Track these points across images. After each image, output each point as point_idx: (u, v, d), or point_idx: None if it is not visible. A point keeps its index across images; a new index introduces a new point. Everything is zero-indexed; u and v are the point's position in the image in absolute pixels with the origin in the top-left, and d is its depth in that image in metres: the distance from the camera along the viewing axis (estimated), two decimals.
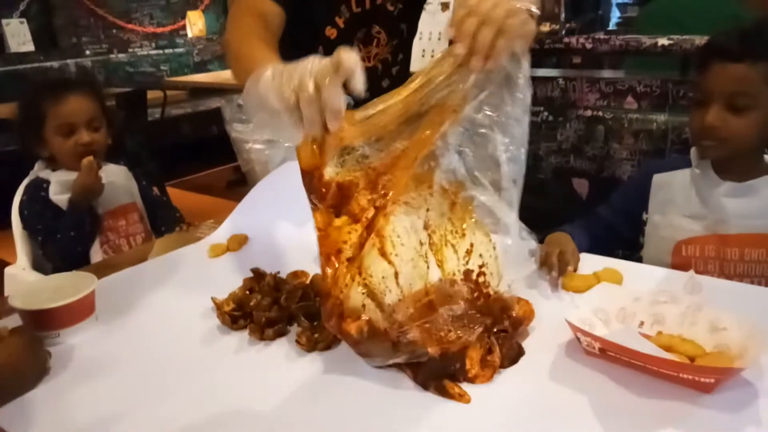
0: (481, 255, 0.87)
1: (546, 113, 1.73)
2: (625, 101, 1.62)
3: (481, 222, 0.86)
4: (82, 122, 1.41)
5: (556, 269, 1.03)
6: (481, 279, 0.87)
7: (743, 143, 1.08)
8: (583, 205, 1.70)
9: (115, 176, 1.50)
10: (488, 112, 0.79)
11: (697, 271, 0.97)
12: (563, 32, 7.31)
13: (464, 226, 0.86)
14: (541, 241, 1.09)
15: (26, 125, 1.44)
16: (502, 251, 0.87)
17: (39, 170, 1.44)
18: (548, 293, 1.01)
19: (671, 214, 1.17)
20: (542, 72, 1.84)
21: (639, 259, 1.22)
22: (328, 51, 0.69)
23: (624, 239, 1.24)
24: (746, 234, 1.10)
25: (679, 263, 1.14)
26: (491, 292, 0.87)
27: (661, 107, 1.55)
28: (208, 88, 4.36)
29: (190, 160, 4.49)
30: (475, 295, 0.85)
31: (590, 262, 1.09)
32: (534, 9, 0.77)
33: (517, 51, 0.77)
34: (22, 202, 1.41)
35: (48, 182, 1.40)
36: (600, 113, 1.64)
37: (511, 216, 0.84)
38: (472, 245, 0.87)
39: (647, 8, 2.03)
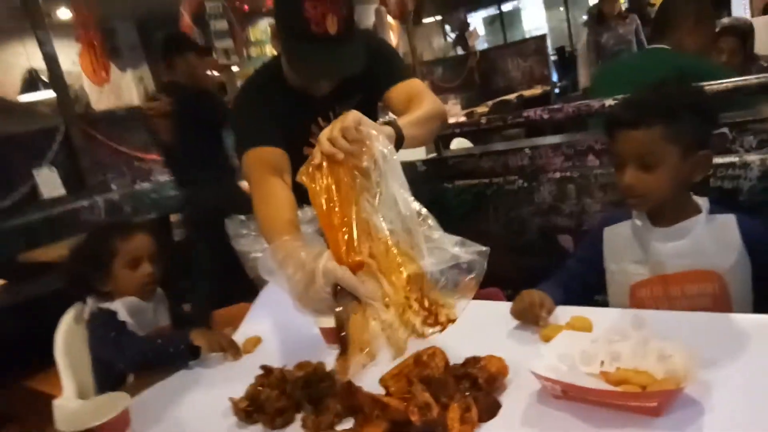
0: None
1: (521, 181, 1.88)
2: (587, 160, 1.77)
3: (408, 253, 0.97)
4: (146, 255, 1.58)
5: (542, 320, 1.14)
6: (427, 304, 0.97)
7: (661, 195, 1.20)
8: (571, 257, 1.81)
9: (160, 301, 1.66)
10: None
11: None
12: (556, 92, 7.62)
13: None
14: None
15: (93, 261, 1.57)
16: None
17: (95, 304, 1.56)
18: (524, 347, 1.12)
19: (622, 261, 1.30)
20: (511, 144, 2.01)
21: (607, 303, 1.33)
22: None
23: (593, 286, 1.35)
24: (682, 272, 1.21)
25: (636, 305, 1.25)
26: (442, 317, 0.97)
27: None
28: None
29: (227, 271, 4.67)
30: (429, 321, 0.96)
31: (564, 313, 1.20)
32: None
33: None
34: (93, 333, 1.53)
35: (113, 311, 1.52)
36: (568, 173, 1.79)
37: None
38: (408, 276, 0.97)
39: (597, 73, 2.21)
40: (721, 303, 1.18)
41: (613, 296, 1.33)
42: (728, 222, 1.21)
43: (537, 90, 7.45)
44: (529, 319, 1.16)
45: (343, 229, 0.96)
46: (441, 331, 0.97)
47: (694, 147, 1.19)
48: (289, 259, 0.99)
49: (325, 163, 0.99)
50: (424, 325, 0.96)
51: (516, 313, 1.19)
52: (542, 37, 8.44)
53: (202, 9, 5.63)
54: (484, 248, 0.96)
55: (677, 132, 1.17)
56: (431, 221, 0.98)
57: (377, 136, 1.00)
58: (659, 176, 1.18)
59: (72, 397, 1.47)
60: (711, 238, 1.20)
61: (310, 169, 1.00)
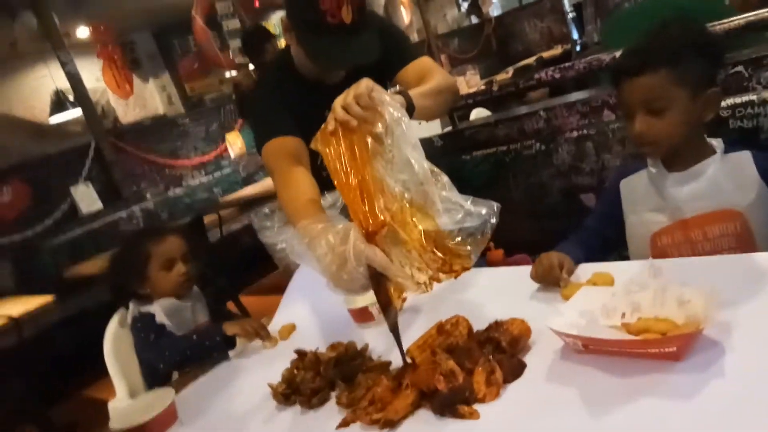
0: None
1: (538, 144, 1.87)
2: (603, 115, 1.75)
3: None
4: (179, 255, 1.66)
5: (563, 281, 1.15)
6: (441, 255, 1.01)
7: (673, 139, 1.19)
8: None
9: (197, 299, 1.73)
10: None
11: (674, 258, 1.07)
12: (577, 49, 7.44)
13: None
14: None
15: (130, 267, 1.65)
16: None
17: (136, 308, 1.63)
18: (547, 308, 1.13)
19: (641, 212, 1.28)
20: (526, 109, 2.00)
21: (628, 257, 1.32)
22: None
23: (614, 241, 1.35)
24: (702, 214, 1.20)
25: (658, 254, 1.24)
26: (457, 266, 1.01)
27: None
28: (258, 198, 4.71)
29: (257, 265, 4.79)
30: (445, 269, 1.00)
31: (585, 272, 1.20)
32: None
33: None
34: (137, 337, 1.60)
35: (152, 314, 1.60)
36: (585, 131, 1.77)
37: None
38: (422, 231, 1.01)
39: (606, 27, 2.17)
40: (745, 241, 1.17)
41: (634, 249, 1.33)
42: (744, 159, 1.19)
43: (557, 50, 7.30)
44: (550, 281, 1.17)
45: (360, 191, 0.99)
46: (456, 276, 1.01)
47: (702, 87, 1.17)
48: (317, 241, 1.02)
49: (339, 130, 1.02)
50: (440, 272, 1.00)
51: (536, 277, 1.20)
52: None
53: (214, 11, 5.68)
54: (494, 203, 1.00)
55: (683, 73, 1.15)
56: (444, 179, 1.01)
57: (390, 102, 1.03)
58: (669, 120, 1.17)
59: (124, 397, 1.55)
60: (728, 177, 1.18)
61: (323, 136, 1.04)
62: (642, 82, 1.18)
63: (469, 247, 1.00)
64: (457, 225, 1.00)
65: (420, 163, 0.99)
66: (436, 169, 1.01)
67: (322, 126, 1.05)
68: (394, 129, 1.00)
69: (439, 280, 1.00)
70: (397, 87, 1.19)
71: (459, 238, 1.00)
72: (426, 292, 1.01)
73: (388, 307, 1.01)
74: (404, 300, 1.31)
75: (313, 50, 1.41)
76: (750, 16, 1.50)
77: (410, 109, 1.20)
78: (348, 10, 1.30)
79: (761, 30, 1.49)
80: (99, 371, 1.68)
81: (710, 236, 1.19)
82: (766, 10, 1.50)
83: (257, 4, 6.92)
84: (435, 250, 1.00)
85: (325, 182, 1.52)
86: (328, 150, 1.03)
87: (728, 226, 1.18)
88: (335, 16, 1.29)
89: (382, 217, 0.98)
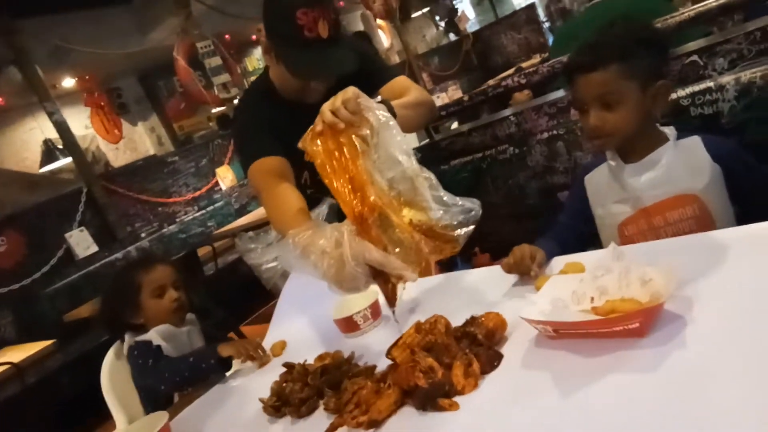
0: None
1: (512, 148, 1.93)
2: (570, 115, 1.80)
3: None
4: (170, 282, 1.70)
5: (533, 271, 1.19)
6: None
7: (627, 131, 1.24)
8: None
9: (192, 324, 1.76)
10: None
11: None
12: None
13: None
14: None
15: (123, 297, 1.70)
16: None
17: (132, 338, 1.66)
18: (522, 301, 1.16)
19: (606, 204, 1.33)
20: (494, 116, 2.05)
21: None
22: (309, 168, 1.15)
23: (586, 235, 1.39)
24: (661, 201, 1.24)
25: (626, 243, 1.28)
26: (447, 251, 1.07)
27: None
28: (252, 227, 4.75)
29: (257, 295, 4.81)
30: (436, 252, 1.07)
31: (559, 264, 1.24)
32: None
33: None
34: (134, 365, 1.62)
35: (148, 341, 1.63)
36: (554, 131, 1.82)
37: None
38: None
39: (554, 37, 2.25)
40: (704, 223, 1.21)
41: (605, 240, 1.37)
42: (694, 143, 1.23)
43: (536, 59, 7.40)
44: (522, 270, 1.21)
45: (350, 181, 1.05)
46: (445, 256, 1.08)
47: (652, 79, 1.22)
48: (311, 247, 1.05)
49: (326, 131, 1.08)
50: (431, 254, 1.06)
51: (508, 268, 1.23)
52: (531, 6, 8.41)
53: (195, 50, 5.78)
54: (476, 200, 1.08)
55: (632, 67, 1.21)
56: (432, 178, 1.08)
57: (377, 107, 1.09)
58: (622, 113, 1.22)
59: (124, 426, 1.57)
60: (681, 163, 1.23)
61: (312, 136, 1.10)
62: (594, 78, 1.23)
63: (457, 232, 1.06)
64: (445, 217, 1.06)
65: (408, 160, 1.05)
66: (424, 168, 1.07)
67: (310, 128, 1.11)
68: (382, 130, 1.07)
69: (430, 262, 1.05)
70: (379, 97, 1.25)
71: (447, 223, 1.07)
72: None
73: (394, 300, 1.07)
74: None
75: (292, 65, 1.46)
76: (698, 7, 1.56)
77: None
78: (324, 24, 1.36)
79: (708, 21, 1.55)
80: (103, 415, 1.71)
81: (671, 221, 1.23)
82: (711, 1, 1.57)
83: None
84: (425, 235, 1.06)
85: (310, 199, 1.58)
86: (315, 148, 1.09)
87: (686, 210, 1.22)
88: (312, 30, 1.35)
89: (373, 198, 1.03)
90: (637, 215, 1.27)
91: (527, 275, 1.20)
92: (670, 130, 1.27)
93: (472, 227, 1.07)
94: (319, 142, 1.09)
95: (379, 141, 1.06)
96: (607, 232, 1.35)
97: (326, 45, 1.38)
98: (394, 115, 1.24)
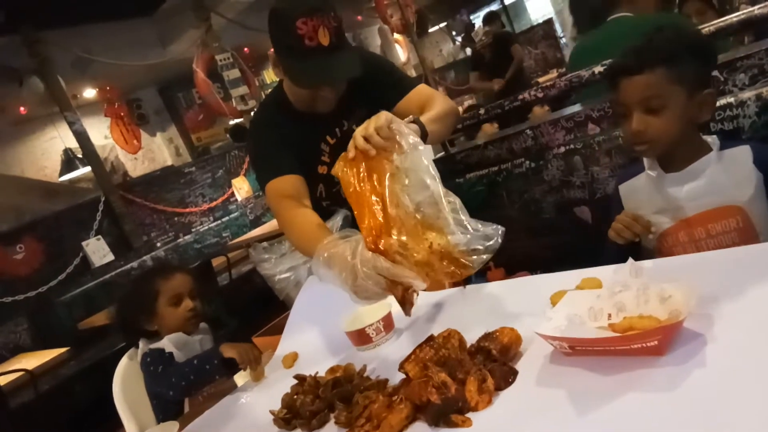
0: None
1: (528, 162, 1.91)
2: (587, 129, 1.79)
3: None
4: (186, 292, 1.72)
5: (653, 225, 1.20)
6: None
7: (670, 137, 1.21)
8: (591, 228, 1.82)
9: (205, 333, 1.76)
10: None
11: None
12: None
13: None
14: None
15: (140, 303, 1.71)
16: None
17: (146, 345, 1.68)
18: (538, 316, 1.14)
19: (645, 215, 1.29)
20: (511, 129, 2.04)
21: None
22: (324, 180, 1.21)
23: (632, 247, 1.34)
24: (702, 213, 1.21)
25: (665, 255, 1.24)
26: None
27: (618, 123, 1.70)
28: (266, 237, 4.76)
29: (270, 306, 4.81)
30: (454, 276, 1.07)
31: (574, 278, 1.21)
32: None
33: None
34: (146, 372, 1.63)
35: (161, 348, 1.64)
36: (572, 146, 1.81)
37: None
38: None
39: (572, 52, 2.24)
40: (747, 235, 1.17)
41: (644, 251, 1.33)
42: (741, 153, 1.20)
43: (552, 74, 7.40)
44: (638, 229, 1.19)
45: (375, 208, 1.06)
46: (457, 279, 1.09)
47: (698, 87, 1.20)
48: (334, 258, 1.09)
49: (359, 157, 1.10)
50: (444, 277, 1.07)
51: (616, 232, 1.22)
52: (548, 22, 8.43)
53: (214, 63, 5.85)
54: (500, 227, 1.07)
55: (680, 73, 1.18)
56: (457, 202, 1.08)
57: (408, 133, 1.10)
58: (667, 118, 1.19)
59: None
60: (725, 173, 1.19)
61: (344, 162, 1.11)
62: (640, 81, 1.20)
63: (473, 257, 1.06)
64: (463, 242, 1.06)
65: (435, 184, 1.06)
66: (449, 192, 1.08)
67: (342, 154, 1.12)
68: (411, 155, 1.08)
69: (445, 286, 1.05)
70: (411, 117, 1.26)
71: (464, 249, 1.06)
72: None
73: (409, 305, 1.10)
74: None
75: (295, 74, 1.48)
76: (719, 22, 1.55)
77: (423, 136, 1.26)
78: (324, 32, 1.37)
79: (728, 36, 1.53)
80: (115, 423, 1.71)
81: (713, 233, 1.20)
82: (731, 16, 1.55)
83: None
84: (442, 260, 1.06)
85: (325, 211, 1.58)
86: (345, 170, 1.10)
87: (730, 222, 1.19)
88: (312, 39, 1.37)
89: (394, 237, 1.05)
90: (677, 226, 1.24)
91: (645, 231, 1.19)
92: (713, 140, 1.24)
93: (488, 256, 1.06)
94: (352, 166, 1.10)
95: (410, 165, 1.07)
96: (645, 243, 1.32)
97: (328, 52, 1.39)
98: (425, 133, 1.27)
